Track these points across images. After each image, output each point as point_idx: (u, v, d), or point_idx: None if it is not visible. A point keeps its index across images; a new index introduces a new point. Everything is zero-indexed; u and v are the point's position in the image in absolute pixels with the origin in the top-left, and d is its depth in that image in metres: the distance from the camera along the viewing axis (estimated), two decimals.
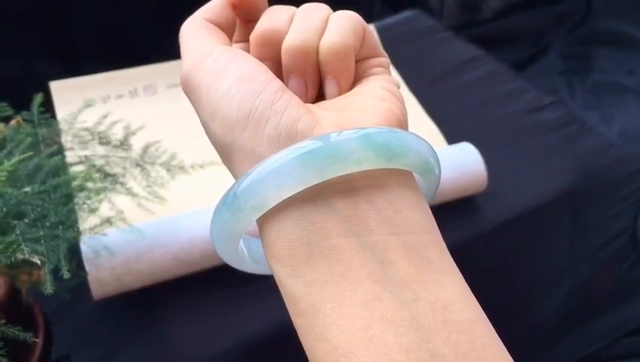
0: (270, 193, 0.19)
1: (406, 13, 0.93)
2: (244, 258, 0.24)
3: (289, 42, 0.23)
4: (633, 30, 1.35)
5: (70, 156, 0.50)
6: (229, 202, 0.20)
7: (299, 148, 0.19)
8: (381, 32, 0.85)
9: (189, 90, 0.23)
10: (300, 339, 0.19)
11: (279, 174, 0.19)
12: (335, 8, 0.24)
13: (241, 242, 0.23)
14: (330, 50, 0.22)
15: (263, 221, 0.20)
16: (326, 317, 0.18)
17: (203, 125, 0.23)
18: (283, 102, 0.20)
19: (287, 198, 0.19)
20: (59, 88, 0.69)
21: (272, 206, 0.19)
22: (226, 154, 0.21)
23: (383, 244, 0.19)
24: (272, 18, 0.23)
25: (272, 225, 0.20)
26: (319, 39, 0.23)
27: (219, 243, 0.22)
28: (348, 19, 0.23)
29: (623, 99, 1.22)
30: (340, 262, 0.18)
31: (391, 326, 0.17)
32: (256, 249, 0.24)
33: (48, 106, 0.52)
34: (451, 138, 0.70)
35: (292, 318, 0.20)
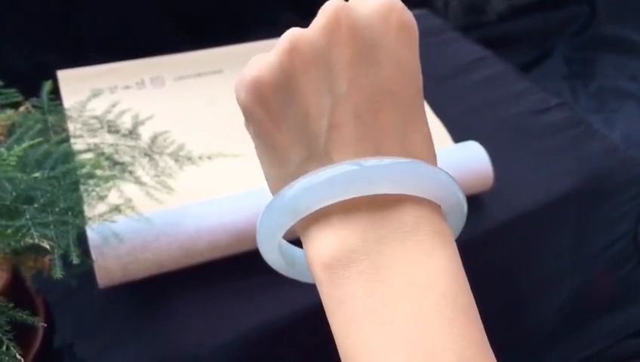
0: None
1: (413, 13, 0.93)
2: (282, 259, 0.25)
3: None
4: (637, 36, 1.35)
5: (79, 143, 0.50)
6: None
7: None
8: None
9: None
10: None
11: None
12: None
13: (280, 247, 0.25)
14: None
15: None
16: None
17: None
18: None
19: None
20: (66, 77, 0.69)
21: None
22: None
23: None
24: None
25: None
26: None
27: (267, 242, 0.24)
28: None
29: (625, 104, 1.22)
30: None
31: None
32: (292, 253, 0.26)
33: (55, 96, 0.52)
34: (458, 137, 0.70)
35: None
